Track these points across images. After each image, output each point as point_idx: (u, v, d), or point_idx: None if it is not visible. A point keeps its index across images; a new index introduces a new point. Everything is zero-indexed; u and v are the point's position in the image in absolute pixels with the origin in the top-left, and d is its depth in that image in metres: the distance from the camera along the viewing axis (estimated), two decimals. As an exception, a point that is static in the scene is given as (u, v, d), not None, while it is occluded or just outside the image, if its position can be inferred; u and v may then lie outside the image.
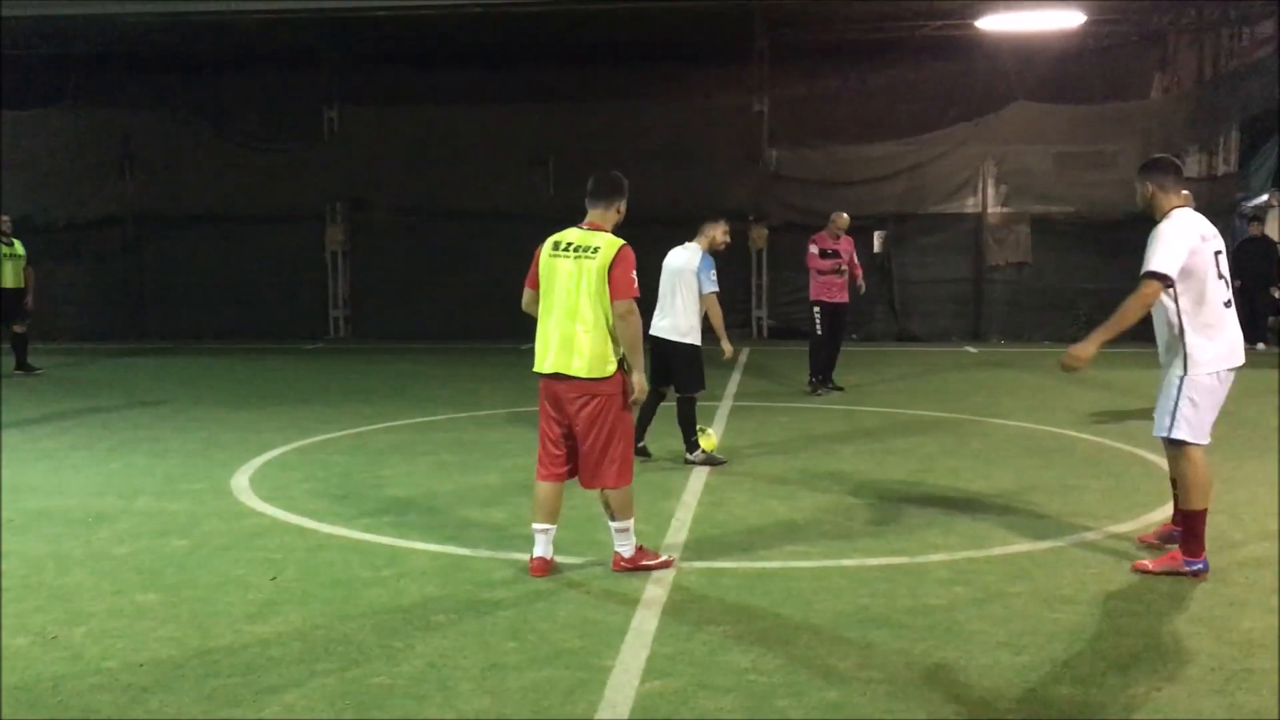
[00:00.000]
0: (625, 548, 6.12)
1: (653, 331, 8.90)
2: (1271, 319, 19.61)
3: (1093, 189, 19.89)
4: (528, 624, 5.28)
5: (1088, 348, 5.92)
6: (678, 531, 7.00)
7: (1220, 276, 5.94)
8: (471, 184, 20.75)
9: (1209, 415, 5.96)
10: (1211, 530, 6.19)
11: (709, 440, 9.28)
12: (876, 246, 20.57)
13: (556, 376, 5.96)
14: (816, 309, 13.29)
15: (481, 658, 4.86)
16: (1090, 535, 6.85)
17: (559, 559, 6.17)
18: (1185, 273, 5.84)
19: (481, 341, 19.74)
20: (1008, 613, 5.41)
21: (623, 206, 6.16)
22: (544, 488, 6.11)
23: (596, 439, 5.96)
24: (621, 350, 5.96)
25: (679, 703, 4.38)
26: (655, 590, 5.78)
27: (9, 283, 15.44)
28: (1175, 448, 6.02)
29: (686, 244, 9.33)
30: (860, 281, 13.60)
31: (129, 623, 5.34)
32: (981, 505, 7.72)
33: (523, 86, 21.03)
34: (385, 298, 21.70)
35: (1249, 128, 19.91)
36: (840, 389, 13.52)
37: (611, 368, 5.95)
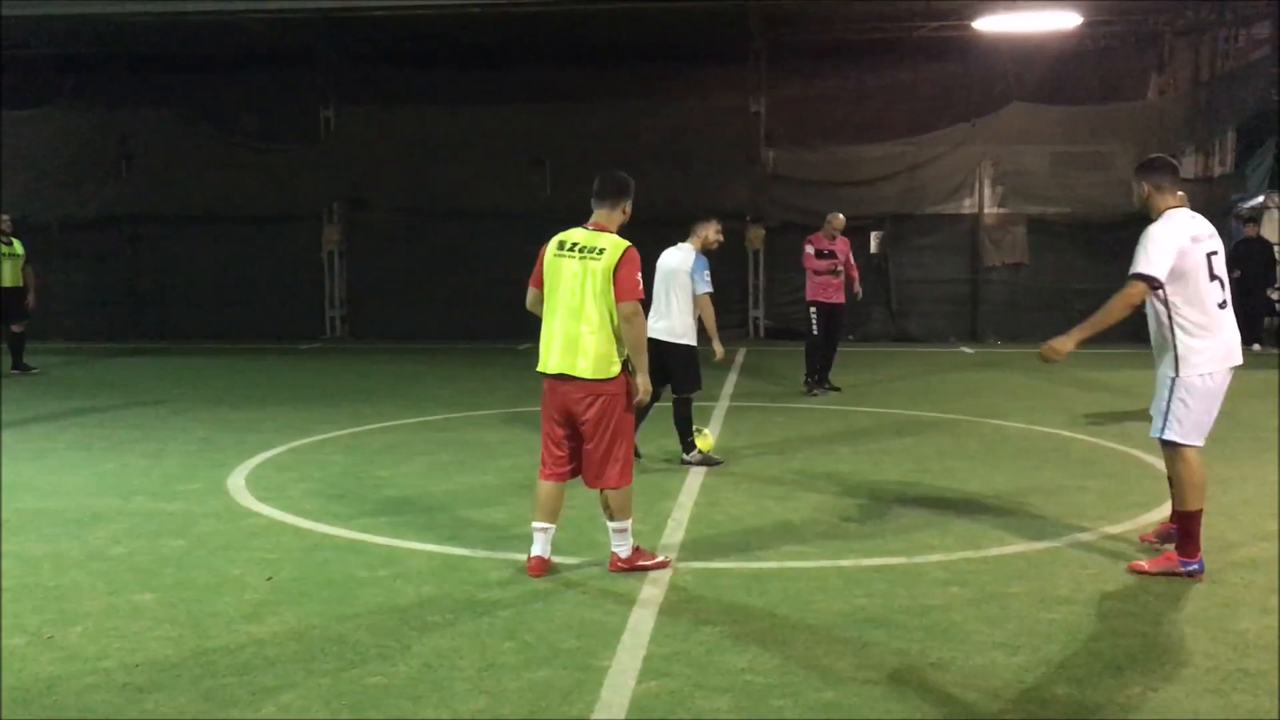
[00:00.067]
0: (622, 548, 6.12)
1: (649, 333, 8.89)
2: (1267, 320, 19.65)
3: (1089, 190, 19.92)
4: (524, 624, 5.28)
5: (1067, 342, 5.99)
6: (674, 532, 7.00)
7: (1214, 278, 5.92)
8: (469, 184, 20.74)
9: (1203, 417, 5.95)
10: (1207, 531, 6.20)
11: (706, 441, 9.28)
12: (874, 247, 20.59)
13: (561, 377, 5.96)
14: (813, 309, 13.31)
15: (478, 658, 4.86)
16: (1086, 536, 6.86)
17: (556, 559, 6.17)
18: (1175, 274, 5.84)
19: (478, 342, 19.74)
20: (1004, 613, 5.42)
21: (628, 207, 6.16)
22: (545, 487, 6.11)
23: (601, 439, 5.97)
24: (625, 351, 5.97)
25: (675, 703, 4.38)
26: (652, 591, 5.78)
27: (8, 282, 15.43)
28: (1170, 449, 6.03)
29: (679, 244, 9.32)
30: (857, 288, 13.64)
31: (125, 623, 5.33)
32: (978, 506, 7.72)
33: (520, 86, 21.02)
34: (382, 298, 21.70)
35: (1245, 129, 19.93)
36: (837, 389, 13.53)
37: (616, 368, 5.95)
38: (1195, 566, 5.94)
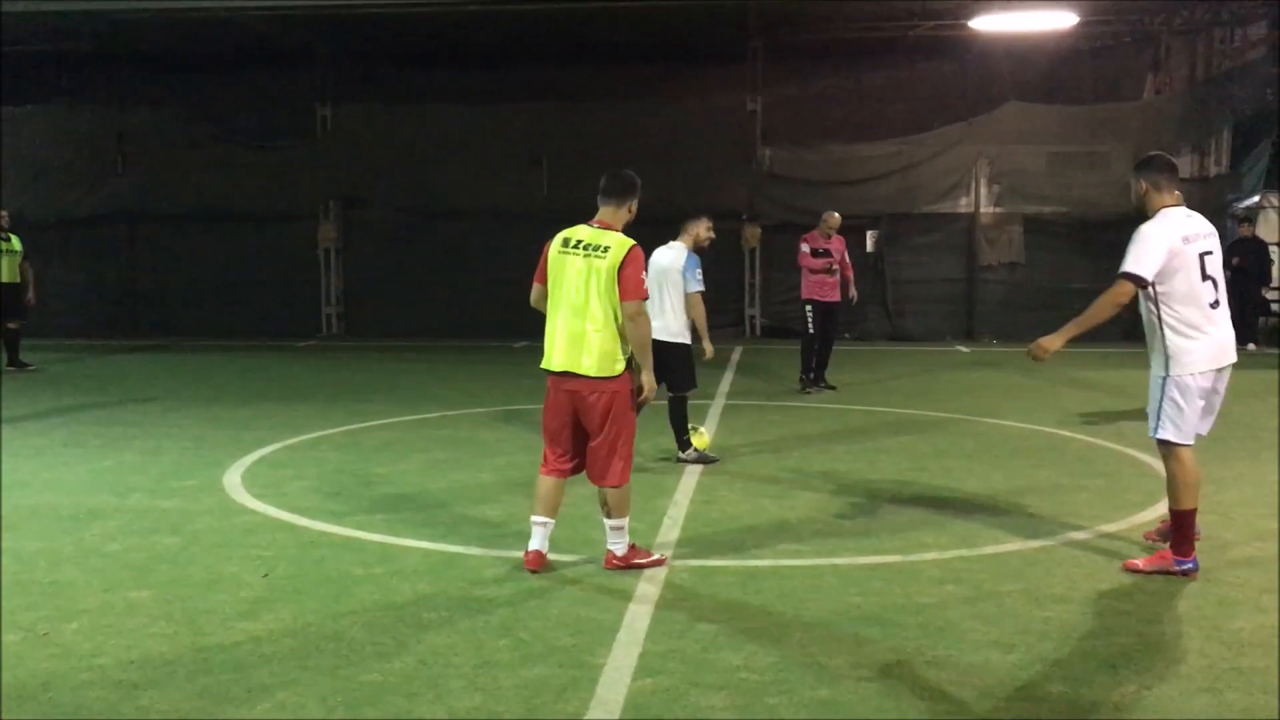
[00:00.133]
0: (618, 546, 6.12)
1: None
2: (1263, 319, 19.68)
3: (1085, 189, 19.95)
4: (520, 621, 5.28)
5: (1055, 341, 6.05)
6: (670, 530, 7.00)
7: (1207, 277, 5.92)
8: (465, 183, 20.74)
9: (1195, 415, 5.96)
10: (1202, 530, 6.22)
11: (701, 439, 9.28)
12: (870, 246, 20.60)
13: (565, 375, 5.97)
14: (809, 308, 13.32)
15: (474, 655, 4.86)
16: (1081, 535, 6.87)
17: (552, 557, 6.17)
18: (1165, 274, 5.85)
19: (474, 339, 19.73)
20: (999, 611, 5.43)
21: (634, 206, 6.17)
22: (546, 482, 6.13)
23: (606, 436, 5.98)
24: (630, 349, 5.97)
25: (671, 700, 4.39)
26: (647, 588, 5.78)
27: (6, 278, 15.44)
28: (1164, 447, 6.04)
29: (671, 243, 9.31)
30: (853, 291, 13.67)
31: (121, 620, 5.33)
32: (973, 504, 7.73)
33: (517, 85, 21.01)
34: (378, 296, 21.70)
35: (1241, 129, 19.96)
36: (833, 388, 13.54)
37: (620, 366, 5.96)
38: (1190, 565, 5.95)
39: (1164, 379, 5.95)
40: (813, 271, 13.24)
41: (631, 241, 5.97)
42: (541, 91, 20.84)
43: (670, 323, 9.00)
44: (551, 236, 6.14)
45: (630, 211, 6.15)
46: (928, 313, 20.95)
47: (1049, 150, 20.30)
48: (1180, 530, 6.00)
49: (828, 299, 13.32)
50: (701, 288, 9.19)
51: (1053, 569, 6.15)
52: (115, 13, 18.18)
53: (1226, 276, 6.38)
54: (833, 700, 4.39)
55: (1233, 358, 6.05)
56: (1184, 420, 5.93)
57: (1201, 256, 5.91)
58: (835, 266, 13.25)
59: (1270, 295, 19.96)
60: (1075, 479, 8.54)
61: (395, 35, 20.56)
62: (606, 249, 5.91)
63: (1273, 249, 19.45)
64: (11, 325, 15.63)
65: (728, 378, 14.80)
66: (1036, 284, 20.28)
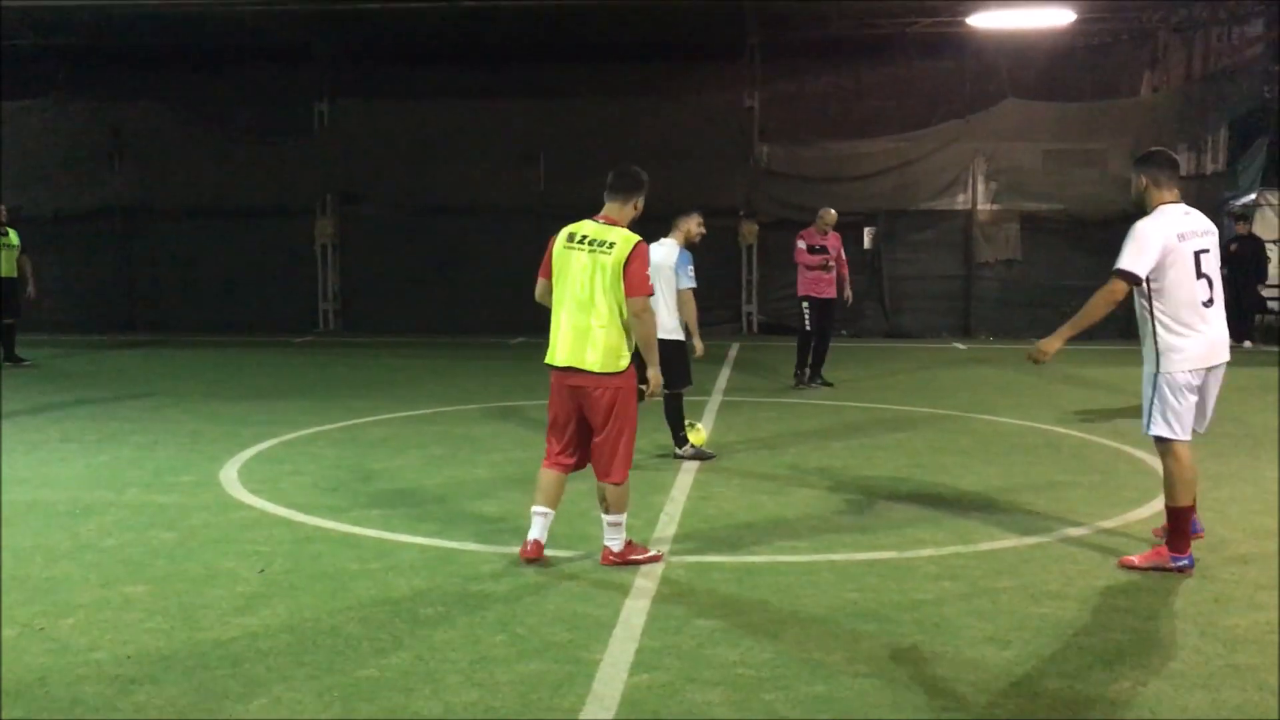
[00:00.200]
0: (615, 542, 6.12)
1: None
2: (1259, 317, 19.70)
3: (1082, 186, 19.97)
4: (516, 617, 5.28)
5: (1053, 342, 6.12)
6: (667, 526, 7.01)
7: (1201, 275, 5.91)
8: (462, 179, 20.74)
9: (1189, 411, 5.96)
10: (1205, 527, 6.23)
11: (698, 435, 9.28)
12: (867, 243, 20.62)
13: (570, 370, 5.97)
14: (806, 304, 13.32)
15: (470, 651, 4.86)
16: (1077, 531, 6.87)
17: (548, 552, 6.17)
18: (1159, 271, 5.85)
19: (471, 336, 19.73)
20: (995, 608, 5.43)
21: (640, 203, 6.18)
22: (548, 475, 6.14)
23: (610, 431, 5.99)
24: (634, 345, 5.97)
25: (667, 695, 4.39)
26: (644, 584, 5.78)
27: (4, 272, 15.44)
28: (1160, 444, 6.05)
29: (663, 239, 9.29)
30: (848, 292, 13.66)
31: (116, 614, 5.33)
32: (969, 501, 7.74)
33: (514, 82, 20.99)
34: (375, 292, 21.71)
35: (1238, 126, 19.99)
36: (830, 384, 13.54)
37: (624, 362, 5.97)
38: (1185, 562, 5.96)
39: (1154, 375, 5.96)
40: (809, 268, 13.25)
41: (637, 238, 5.98)
42: (539, 88, 20.83)
43: (665, 319, 8.95)
44: (549, 233, 6.14)
45: (636, 208, 6.16)
46: (925, 310, 20.97)
47: (1046, 147, 20.33)
48: (1176, 527, 6.01)
49: (824, 295, 13.32)
50: (693, 284, 9.18)
51: (1049, 565, 6.16)
52: (112, 7, 18.19)
53: (1224, 272, 6.38)
54: (829, 695, 4.39)
55: (1225, 356, 6.05)
56: (1177, 416, 5.93)
57: (1197, 254, 5.91)
58: (831, 263, 13.25)
59: (1267, 293, 19.97)
60: (1071, 476, 8.55)
61: (393, 32, 20.54)
62: (612, 245, 5.92)
63: (1270, 246, 19.45)
64: (8, 320, 15.62)
65: (724, 374, 14.81)
66: (1033, 281, 20.32)
